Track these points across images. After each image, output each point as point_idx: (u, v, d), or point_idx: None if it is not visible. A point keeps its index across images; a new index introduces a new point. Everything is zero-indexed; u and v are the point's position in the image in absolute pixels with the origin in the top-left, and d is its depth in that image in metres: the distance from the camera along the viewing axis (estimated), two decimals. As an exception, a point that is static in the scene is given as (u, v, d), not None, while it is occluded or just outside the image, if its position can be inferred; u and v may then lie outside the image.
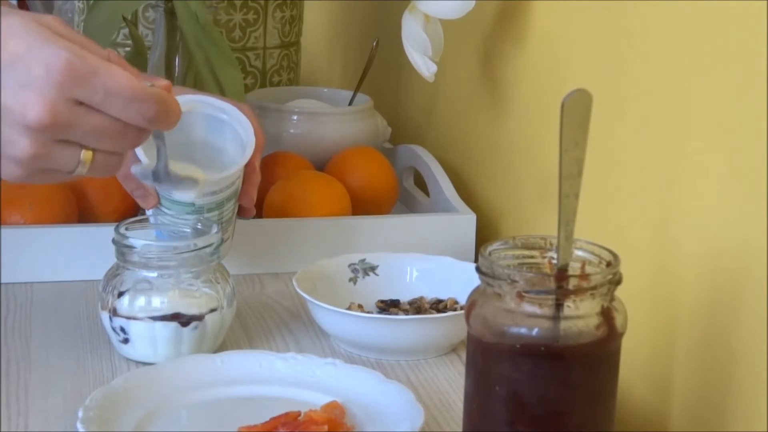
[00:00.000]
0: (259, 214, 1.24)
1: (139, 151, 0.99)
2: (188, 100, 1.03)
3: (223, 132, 1.05)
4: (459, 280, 1.05)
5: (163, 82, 0.83)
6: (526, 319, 0.72)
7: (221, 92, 1.25)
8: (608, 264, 0.75)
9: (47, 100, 0.77)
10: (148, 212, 1.06)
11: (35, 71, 0.77)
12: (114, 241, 0.97)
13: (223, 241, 1.02)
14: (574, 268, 0.75)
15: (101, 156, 0.81)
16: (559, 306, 0.72)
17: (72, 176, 0.82)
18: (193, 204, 1.02)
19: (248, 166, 1.05)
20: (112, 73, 0.79)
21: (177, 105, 0.83)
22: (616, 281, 0.74)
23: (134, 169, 0.91)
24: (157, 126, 0.82)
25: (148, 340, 0.96)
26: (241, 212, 1.09)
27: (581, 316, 0.73)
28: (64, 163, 0.81)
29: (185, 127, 1.02)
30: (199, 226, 1.00)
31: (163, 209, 1.03)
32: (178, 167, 0.92)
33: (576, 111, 0.72)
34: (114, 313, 0.97)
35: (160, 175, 0.90)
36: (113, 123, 0.80)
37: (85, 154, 0.81)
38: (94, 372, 0.96)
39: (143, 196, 1.04)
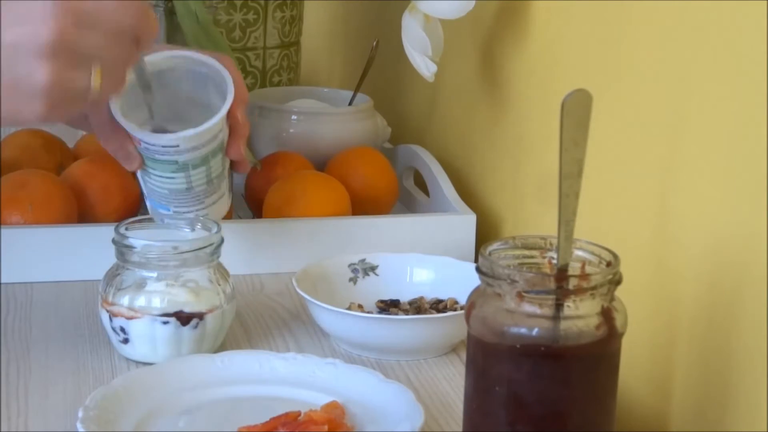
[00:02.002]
0: (259, 214, 1.24)
1: (115, 110, 0.99)
2: (169, 56, 1.03)
3: (206, 86, 1.04)
4: (459, 280, 1.05)
5: None
6: (526, 319, 0.72)
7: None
8: (608, 264, 0.75)
9: (53, 24, 0.82)
10: (138, 177, 1.05)
11: (33, 4, 0.82)
12: (114, 241, 0.97)
13: (217, 200, 1.02)
14: (574, 268, 0.75)
15: (106, 74, 0.86)
16: (559, 306, 0.72)
17: (88, 99, 0.86)
18: (176, 162, 1.01)
19: (232, 119, 1.04)
20: None
21: (155, 16, 0.91)
22: (616, 281, 0.74)
23: (116, 114, 0.96)
24: (144, 32, 0.88)
25: (148, 340, 0.96)
26: (234, 167, 1.08)
27: (581, 316, 0.73)
28: (80, 83, 0.85)
29: (170, 84, 1.03)
30: (199, 226, 1.00)
31: (149, 170, 1.03)
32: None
33: (576, 111, 0.72)
34: (114, 313, 0.97)
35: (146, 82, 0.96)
36: (108, 35, 0.85)
37: (95, 72, 0.85)
38: (94, 372, 0.96)
39: (126, 157, 1.03)
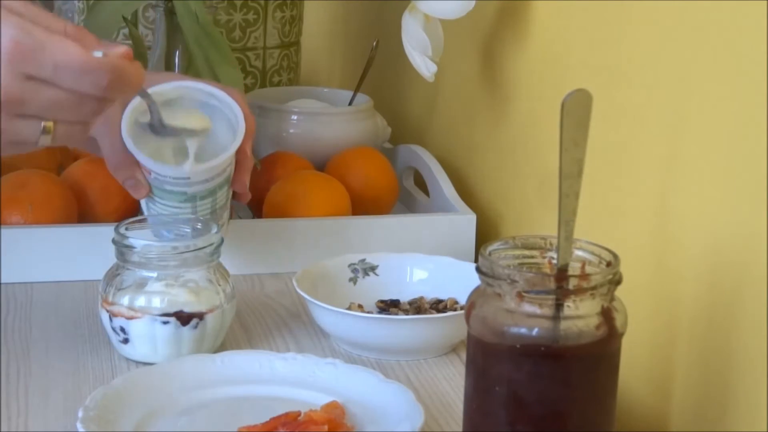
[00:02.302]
0: (259, 214, 1.24)
1: (127, 139, 0.99)
2: (178, 86, 1.03)
3: (214, 118, 1.05)
4: (459, 280, 1.05)
5: (121, 49, 0.83)
6: (526, 319, 0.72)
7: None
8: (608, 264, 0.75)
9: None
10: (142, 204, 1.05)
11: None
12: (114, 241, 0.97)
13: (219, 228, 1.01)
14: (574, 268, 0.75)
15: (63, 126, 0.83)
16: (559, 306, 0.72)
17: (38, 146, 0.83)
18: (185, 193, 1.02)
19: (240, 153, 1.05)
20: (60, 46, 0.79)
21: (136, 70, 0.84)
22: (616, 281, 0.74)
23: (128, 143, 0.94)
24: (115, 94, 0.83)
25: (148, 340, 0.96)
26: (237, 197, 1.09)
27: (581, 316, 0.73)
28: (27, 135, 0.82)
29: (176, 114, 1.02)
30: (198, 226, 1.00)
31: (156, 199, 1.03)
32: (172, 119, 0.95)
33: (576, 111, 0.72)
34: (114, 313, 0.97)
35: (157, 128, 0.93)
36: (68, 95, 0.81)
37: (47, 125, 0.82)
38: (94, 372, 0.96)
39: (135, 186, 1.03)
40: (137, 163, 1.01)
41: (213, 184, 1.03)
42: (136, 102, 0.99)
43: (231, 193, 1.07)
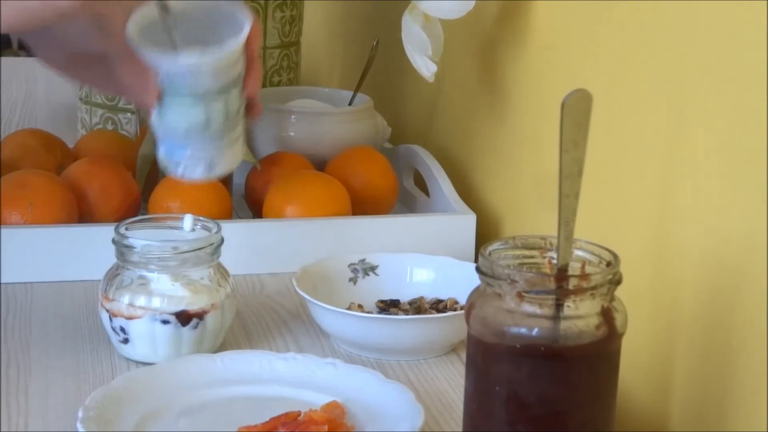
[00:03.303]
0: (259, 214, 1.24)
1: (134, 37, 0.94)
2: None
3: (223, 27, 0.98)
4: (459, 280, 1.05)
5: None
6: (526, 319, 0.72)
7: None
8: (608, 264, 0.75)
9: None
10: (153, 119, 0.98)
11: None
12: (114, 241, 0.97)
13: (233, 141, 0.97)
14: (574, 268, 0.75)
15: None
16: (559, 306, 0.72)
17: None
18: (195, 92, 0.96)
19: (248, 54, 0.99)
20: None
21: None
22: (616, 281, 0.74)
23: (134, 41, 0.92)
24: None
25: (148, 340, 0.96)
26: (249, 111, 1.02)
27: (581, 316, 0.73)
28: None
29: (185, 27, 0.98)
30: (198, 226, 1.00)
31: (165, 106, 0.96)
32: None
33: (576, 111, 0.72)
34: (114, 313, 0.97)
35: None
36: None
37: None
38: (94, 372, 0.96)
39: (144, 88, 0.97)
40: (146, 65, 0.95)
41: (224, 80, 0.96)
42: (145, 10, 0.95)
43: (244, 102, 1.00)
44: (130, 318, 0.96)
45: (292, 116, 1.35)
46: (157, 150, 1.00)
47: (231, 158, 1.00)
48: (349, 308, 1.03)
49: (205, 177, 0.98)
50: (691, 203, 0.85)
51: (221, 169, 0.98)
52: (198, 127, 0.97)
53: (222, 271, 0.99)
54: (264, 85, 1.54)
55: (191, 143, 0.98)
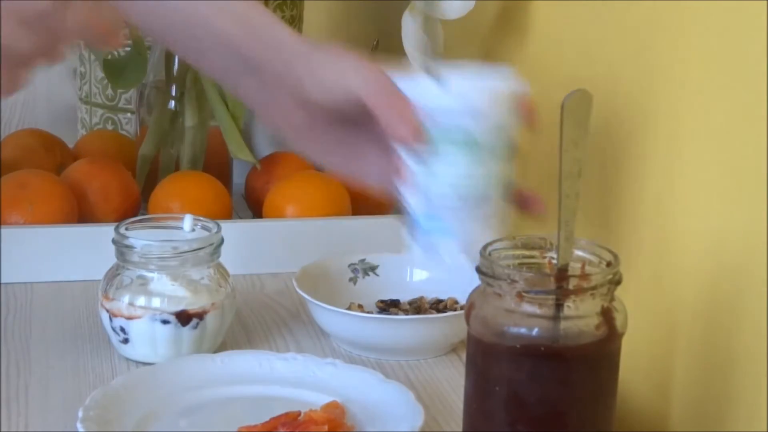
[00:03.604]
0: (259, 214, 1.24)
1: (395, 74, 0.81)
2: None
3: None
4: (459, 280, 1.04)
5: None
6: (526, 319, 0.72)
7: (220, 92, 1.25)
8: (608, 264, 0.75)
9: None
10: (405, 186, 0.81)
11: None
12: (114, 241, 0.97)
13: (497, 214, 0.81)
14: (574, 268, 0.75)
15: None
16: (559, 306, 0.72)
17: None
18: (465, 140, 0.78)
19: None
20: None
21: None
22: (616, 281, 0.74)
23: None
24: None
25: (148, 340, 0.96)
26: (526, 205, 0.86)
27: (581, 316, 0.73)
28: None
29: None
30: (198, 225, 1.00)
31: (432, 159, 0.79)
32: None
33: (576, 111, 0.72)
34: (114, 313, 0.97)
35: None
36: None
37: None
38: (94, 372, 0.96)
39: (412, 131, 0.80)
40: (408, 101, 0.79)
41: (498, 121, 0.79)
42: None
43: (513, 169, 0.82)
44: (130, 318, 0.96)
45: (292, 116, 1.34)
46: (406, 215, 0.83)
47: (485, 238, 0.79)
48: (349, 308, 1.03)
49: (456, 260, 0.81)
50: (691, 203, 0.85)
51: (474, 252, 0.76)
52: (471, 190, 0.80)
53: (222, 271, 0.99)
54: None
55: (454, 212, 0.81)
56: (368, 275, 1.08)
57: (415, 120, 0.79)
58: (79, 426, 0.82)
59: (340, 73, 0.84)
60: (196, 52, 0.91)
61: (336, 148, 0.88)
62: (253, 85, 0.88)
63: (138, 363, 0.97)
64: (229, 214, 1.22)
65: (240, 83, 0.89)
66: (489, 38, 1.24)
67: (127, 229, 0.99)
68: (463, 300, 0.94)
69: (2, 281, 1.12)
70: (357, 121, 0.85)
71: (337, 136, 0.88)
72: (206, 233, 0.99)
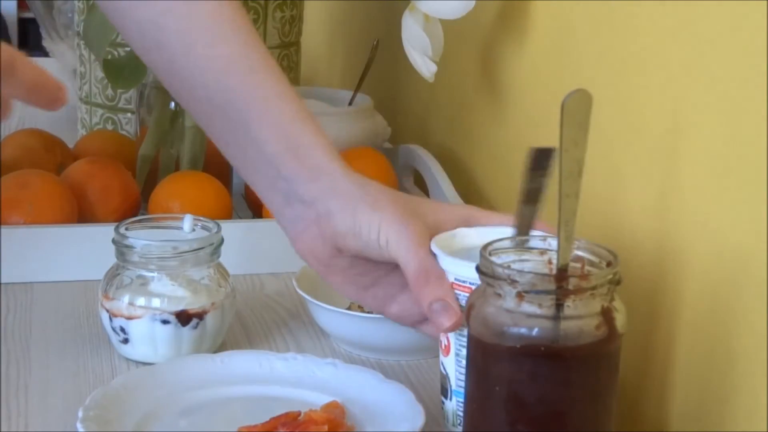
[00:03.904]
0: (259, 214, 1.24)
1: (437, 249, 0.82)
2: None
3: None
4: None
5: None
6: (526, 319, 0.72)
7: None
8: (608, 264, 0.75)
9: None
10: (448, 362, 0.82)
11: None
12: (114, 241, 0.97)
13: None
14: (574, 268, 0.75)
15: None
16: (559, 306, 0.72)
17: None
18: None
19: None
20: None
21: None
22: (616, 281, 0.74)
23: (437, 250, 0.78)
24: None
25: (148, 340, 0.96)
26: None
27: (581, 316, 0.73)
28: None
29: None
30: (199, 225, 1.00)
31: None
32: None
33: (576, 111, 0.72)
34: (114, 313, 0.97)
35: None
36: None
37: None
38: (94, 372, 0.96)
39: (445, 309, 0.82)
40: (448, 282, 0.82)
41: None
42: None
43: None
44: (130, 318, 0.96)
45: (292, 116, 1.34)
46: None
47: None
48: (349, 308, 1.03)
49: None
50: (691, 203, 0.85)
51: None
52: None
53: (222, 271, 0.99)
54: (264, 85, 1.53)
55: None
56: (368, 275, 1.08)
57: (455, 310, 0.82)
58: (79, 426, 0.82)
59: (379, 230, 0.85)
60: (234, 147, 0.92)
61: (356, 278, 0.90)
62: (281, 201, 0.90)
63: (138, 363, 0.97)
64: (229, 214, 1.22)
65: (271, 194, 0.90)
66: (489, 38, 1.24)
67: (127, 229, 0.99)
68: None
69: (2, 281, 1.12)
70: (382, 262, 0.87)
71: (359, 269, 0.90)
72: (206, 233, 0.99)
